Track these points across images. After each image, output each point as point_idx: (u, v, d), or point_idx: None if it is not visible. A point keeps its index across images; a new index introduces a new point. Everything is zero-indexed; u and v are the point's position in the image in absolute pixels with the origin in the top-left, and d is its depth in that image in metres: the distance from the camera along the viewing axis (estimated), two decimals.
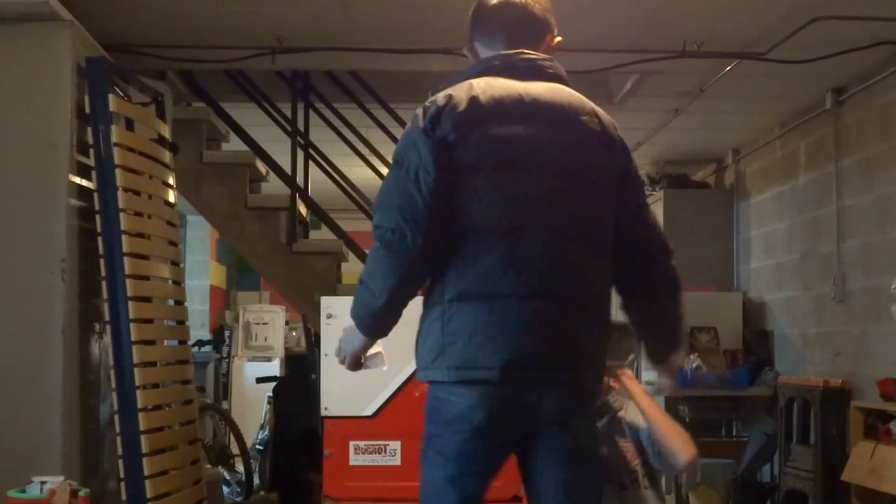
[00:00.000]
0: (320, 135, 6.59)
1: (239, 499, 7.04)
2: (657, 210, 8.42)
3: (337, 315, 4.44)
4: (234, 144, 6.54)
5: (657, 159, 8.67)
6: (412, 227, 2.34)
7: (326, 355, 4.45)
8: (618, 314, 2.66)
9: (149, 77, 5.10)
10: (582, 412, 2.47)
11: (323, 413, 4.54)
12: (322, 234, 6.80)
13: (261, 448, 7.55)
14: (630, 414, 3.13)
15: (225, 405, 9.02)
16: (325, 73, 6.24)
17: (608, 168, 2.50)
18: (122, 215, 3.99)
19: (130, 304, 3.96)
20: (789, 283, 7.07)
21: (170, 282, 4.51)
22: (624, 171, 2.54)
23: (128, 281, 3.97)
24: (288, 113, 6.35)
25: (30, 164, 3.98)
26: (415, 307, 2.53)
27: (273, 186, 6.65)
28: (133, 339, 3.95)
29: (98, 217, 4.00)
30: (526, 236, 2.38)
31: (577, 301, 2.41)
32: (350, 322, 2.54)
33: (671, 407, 6.84)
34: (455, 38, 5.29)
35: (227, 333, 9.60)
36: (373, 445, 4.49)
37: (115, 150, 4.01)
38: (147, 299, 4.15)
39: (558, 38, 2.68)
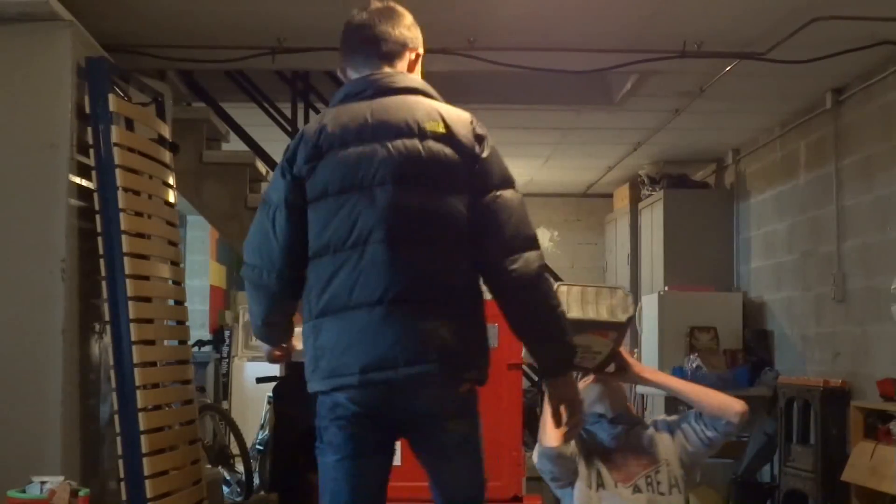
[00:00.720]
0: None
1: (239, 499, 7.03)
2: (657, 210, 8.43)
3: None
4: (234, 144, 6.54)
5: (657, 159, 8.67)
6: (268, 265, 2.69)
7: None
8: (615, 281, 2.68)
9: (149, 77, 5.10)
10: (445, 402, 2.63)
11: None
12: None
13: (261, 448, 7.55)
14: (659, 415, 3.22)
15: (225, 405, 9.01)
16: (325, 73, 6.25)
17: (454, 166, 2.61)
18: (122, 215, 3.99)
19: (130, 304, 3.96)
20: (789, 283, 7.07)
21: (170, 282, 4.50)
22: (470, 165, 2.63)
23: (128, 281, 3.96)
24: (288, 113, 6.36)
25: (30, 164, 3.98)
26: None
27: None
28: (133, 339, 3.94)
29: (98, 217, 3.99)
30: (370, 249, 2.57)
31: (425, 302, 2.57)
32: None
33: (671, 407, 6.85)
34: (455, 38, 5.31)
35: (227, 333, 9.58)
36: None
37: (115, 150, 4.00)
38: (147, 299, 4.15)
39: (419, 52, 2.83)
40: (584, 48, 5.25)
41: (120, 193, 4.00)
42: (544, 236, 10.88)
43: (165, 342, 4.43)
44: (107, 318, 3.98)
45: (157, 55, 5.31)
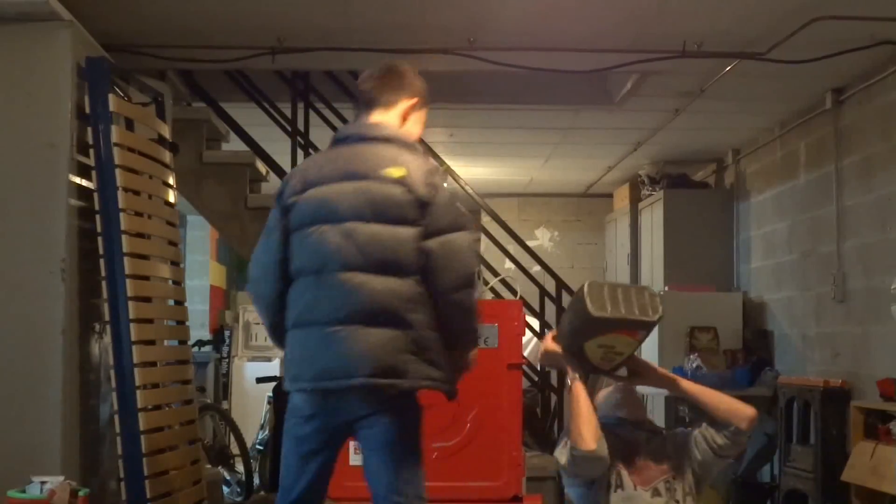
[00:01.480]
0: (320, 135, 6.59)
1: (239, 499, 7.03)
2: (657, 210, 8.43)
3: None
4: (234, 144, 6.54)
5: (657, 159, 8.67)
6: (263, 278, 3.15)
7: None
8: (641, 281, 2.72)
9: (149, 77, 5.10)
10: (382, 407, 2.99)
11: None
12: None
13: (261, 448, 7.55)
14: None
15: (225, 405, 9.01)
16: (325, 73, 6.25)
17: (404, 205, 3.00)
18: (122, 215, 4.00)
19: (130, 304, 3.97)
20: (789, 283, 7.07)
21: (170, 282, 4.51)
22: (423, 207, 3.01)
23: (128, 281, 3.97)
24: (288, 113, 6.36)
25: (30, 164, 3.99)
26: None
27: (273, 186, 6.61)
28: (133, 339, 3.95)
29: (98, 217, 4.00)
30: (327, 274, 3.01)
31: (369, 321, 2.96)
32: None
33: (671, 407, 6.85)
34: (455, 38, 5.31)
35: (227, 333, 9.59)
36: None
37: (115, 150, 4.01)
38: (147, 299, 4.15)
39: (413, 101, 3.22)
40: (584, 48, 5.25)
41: (120, 193, 4.00)
42: (544, 236, 10.89)
43: (165, 342, 4.44)
44: (107, 318, 3.98)
45: (157, 55, 5.30)
